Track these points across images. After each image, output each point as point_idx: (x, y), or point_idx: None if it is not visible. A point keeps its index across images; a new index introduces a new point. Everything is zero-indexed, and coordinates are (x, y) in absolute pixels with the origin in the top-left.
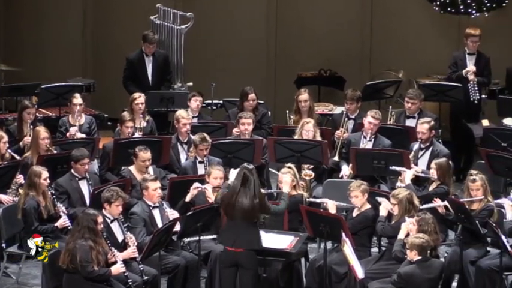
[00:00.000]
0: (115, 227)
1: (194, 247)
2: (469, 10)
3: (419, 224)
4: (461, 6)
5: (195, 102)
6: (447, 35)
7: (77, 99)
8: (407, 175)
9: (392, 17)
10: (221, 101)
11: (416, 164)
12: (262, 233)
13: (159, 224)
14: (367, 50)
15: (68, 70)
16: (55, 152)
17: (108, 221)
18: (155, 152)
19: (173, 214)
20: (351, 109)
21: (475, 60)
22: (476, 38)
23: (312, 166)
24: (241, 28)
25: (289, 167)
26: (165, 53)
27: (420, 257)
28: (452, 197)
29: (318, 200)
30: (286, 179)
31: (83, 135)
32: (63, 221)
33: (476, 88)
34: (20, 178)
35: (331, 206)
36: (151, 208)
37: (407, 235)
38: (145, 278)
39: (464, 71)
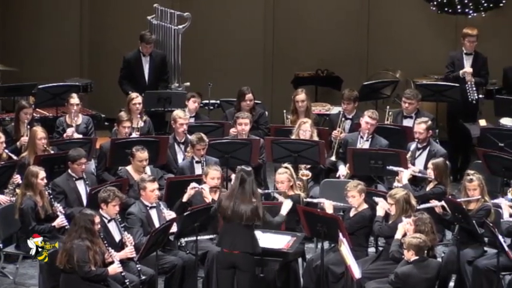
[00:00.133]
0: (112, 227)
1: (191, 247)
2: (466, 10)
3: (416, 224)
4: (458, 6)
5: (194, 104)
6: (444, 35)
7: (74, 99)
8: (405, 175)
9: (389, 17)
10: (218, 101)
11: (413, 164)
12: (259, 233)
13: (156, 224)
14: (364, 50)
15: (65, 70)
16: (52, 152)
17: (106, 221)
18: (152, 152)
19: (170, 214)
20: (348, 109)
21: (472, 60)
22: (474, 38)
23: (309, 166)
24: (238, 28)
25: (286, 167)
26: (162, 53)
27: (417, 257)
28: (449, 197)
29: (315, 200)
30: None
31: (80, 136)
32: (60, 221)
33: (474, 89)
34: (17, 178)
35: (328, 206)
36: (148, 208)
37: (404, 235)
38: (143, 278)
39: (461, 72)
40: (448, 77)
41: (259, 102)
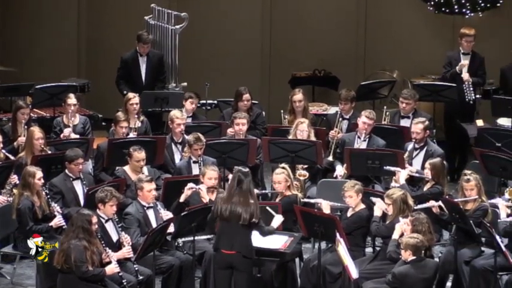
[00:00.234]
0: (109, 227)
1: (188, 248)
2: (463, 10)
3: (414, 224)
4: (456, 6)
5: (191, 105)
6: (441, 35)
7: (71, 99)
8: (402, 175)
9: (386, 17)
10: (215, 101)
11: (410, 164)
12: (256, 233)
13: (154, 225)
14: (361, 50)
15: (63, 70)
16: (49, 152)
17: (103, 221)
18: (149, 152)
19: (167, 215)
20: (345, 109)
21: (470, 60)
22: (471, 37)
23: (306, 166)
24: (235, 28)
25: (283, 167)
26: (159, 53)
27: (414, 257)
28: (447, 197)
29: (312, 200)
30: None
31: (77, 136)
32: (57, 221)
33: (471, 89)
34: (14, 178)
35: (326, 206)
36: (145, 208)
37: (402, 235)
38: (140, 278)
39: (458, 67)
40: (445, 76)
41: (256, 102)
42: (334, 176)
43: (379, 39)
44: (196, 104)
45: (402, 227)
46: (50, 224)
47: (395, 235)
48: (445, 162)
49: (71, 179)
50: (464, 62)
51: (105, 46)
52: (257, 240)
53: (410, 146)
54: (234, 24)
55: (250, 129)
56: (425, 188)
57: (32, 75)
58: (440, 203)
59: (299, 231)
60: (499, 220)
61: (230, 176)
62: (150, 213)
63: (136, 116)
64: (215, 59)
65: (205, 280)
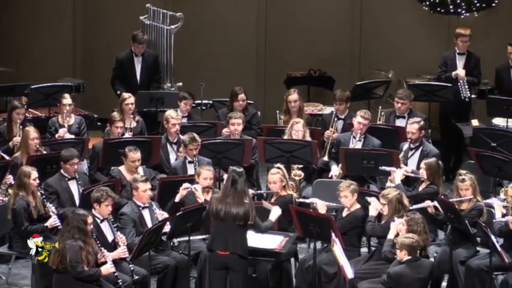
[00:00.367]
0: (105, 227)
1: (184, 248)
2: (459, 10)
3: (409, 224)
4: (451, 6)
5: (185, 106)
6: (437, 35)
7: (67, 99)
8: (397, 175)
9: (381, 17)
10: (211, 101)
11: (406, 164)
12: (252, 232)
13: (149, 225)
14: (356, 50)
15: (58, 70)
16: (45, 152)
17: (98, 221)
18: (145, 152)
19: (163, 215)
20: (340, 109)
21: (465, 60)
22: (467, 37)
23: (301, 166)
24: (230, 28)
25: (278, 168)
26: (154, 53)
27: (410, 257)
28: (442, 197)
29: (307, 200)
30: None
31: (72, 136)
32: (53, 221)
33: (466, 86)
34: (9, 178)
35: (321, 206)
36: (141, 208)
37: (397, 235)
38: (135, 278)
39: (453, 73)
40: (440, 77)
41: (251, 102)
42: (330, 176)
43: (374, 39)
44: (190, 104)
45: (397, 227)
46: (45, 225)
47: (390, 235)
48: (440, 162)
49: (66, 179)
50: (461, 71)
51: (100, 46)
52: (252, 240)
53: (405, 146)
54: (229, 24)
55: (245, 129)
56: (420, 188)
57: (28, 75)
58: (435, 203)
59: (294, 231)
60: (494, 220)
61: (225, 176)
62: (146, 213)
63: (131, 116)
64: (210, 59)
65: (200, 280)
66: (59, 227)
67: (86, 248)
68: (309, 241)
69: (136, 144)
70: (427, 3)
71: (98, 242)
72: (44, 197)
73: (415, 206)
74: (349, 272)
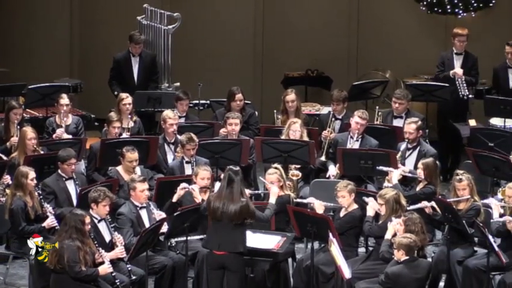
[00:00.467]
0: (102, 227)
1: (181, 248)
2: (456, 10)
3: (406, 224)
4: (448, 6)
5: (182, 106)
6: (434, 35)
7: (64, 99)
8: (394, 175)
9: (379, 17)
10: (208, 101)
11: (403, 164)
12: (249, 233)
13: (147, 225)
14: (354, 50)
15: (55, 70)
16: (42, 152)
17: (96, 221)
18: (142, 152)
19: (160, 215)
20: (337, 110)
21: (463, 60)
22: (464, 37)
23: (299, 166)
24: (228, 28)
25: (276, 167)
26: (152, 54)
27: (407, 257)
28: (439, 197)
29: (305, 201)
30: (274, 189)
31: (70, 136)
32: (50, 221)
33: (464, 85)
34: (7, 178)
35: (318, 206)
36: (138, 209)
37: (395, 235)
38: (133, 278)
39: (451, 72)
40: (438, 76)
41: (249, 102)
42: (327, 176)
43: (371, 39)
44: (187, 103)
45: (395, 227)
46: (43, 225)
47: (388, 235)
48: (437, 162)
49: (64, 179)
50: (459, 70)
51: (97, 46)
52: (250, 240)
53: (403, 146)
54: (227, 25)
55: (243, 130)
56: (418, 188)
57: (25, 75)
58: (433, 203)
59: (292, 231)
60: (491, 220)
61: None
62: (143, 214)
63: (129, 116)
64: (208, 59)
65: (198, 280)
66: (56, 227)
67: (83, 248)
68: (306, 241)
69: (134, 144)
70: (424, 3)
71: (95, 242)
72: (41, 197)
73: (412, 207)
74: (347, 272)
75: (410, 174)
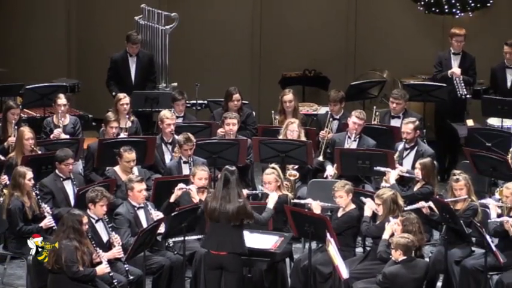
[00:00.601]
0: (100, 227)
1: (179, 248)
2: (454, 10)
3: (404, 224)
4: (446, 6)
5: (178, 106)
6: (431, 35)
7: (62, 99)
8: (392, 175)
9: (376, 17)
10: (206, 101)
11: (400, 164)
12: (246, 233)
13: (144, 225)
14: (351, 50)
15: (53, 70)
16: (39, 152)
17: (93, 221)
18: (140, 153)
19: (158, 215)
20: (334, 110)
21: (460, 60)
22: (461, 37)
23: (296, 166)
24: (225, 28)
25: (273, 168)
26: (149, 54)
27: (405, 257)
28: (437, 197)
29: (302, 201)
30: (273, 196)
31: (67, 136)
32: (47, 222)
33: (462, 84)
34: (4, 179)
35: (316, 206)
36: (136, 209)
37: (392, 235)
38: (130, 278)
39: (449, 72)
40: (435, 77)
41: (246, 102)
42: (325, 176)
43: (369, 39)
44: (183, 103)
45: (392, 227)
46: (40, 225)
47: (385, 235)
48: (435, 162)
49: (61, 179)
50: (457, 70)
51: (95, 46)
52: (247, 240)
53: (400, 146)
54: (224, 25)
55: (240, 130)
56: (415, 188)
57: (23, 75)
58: (430, 203)
59: (289, 231)
60: (489, 220)
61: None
62: (141, 214)
63: (126, 116)
64: (205, 59)
65: (195, 280)
66: (53, 227)
67: (81, 248)
68: (304, 241)
69: (131, 144)
70: (422, 3)
71: (93, 242)
72: (39, 197)
73: (409, 207)
74: (344, 272)
75: (407, 174)
